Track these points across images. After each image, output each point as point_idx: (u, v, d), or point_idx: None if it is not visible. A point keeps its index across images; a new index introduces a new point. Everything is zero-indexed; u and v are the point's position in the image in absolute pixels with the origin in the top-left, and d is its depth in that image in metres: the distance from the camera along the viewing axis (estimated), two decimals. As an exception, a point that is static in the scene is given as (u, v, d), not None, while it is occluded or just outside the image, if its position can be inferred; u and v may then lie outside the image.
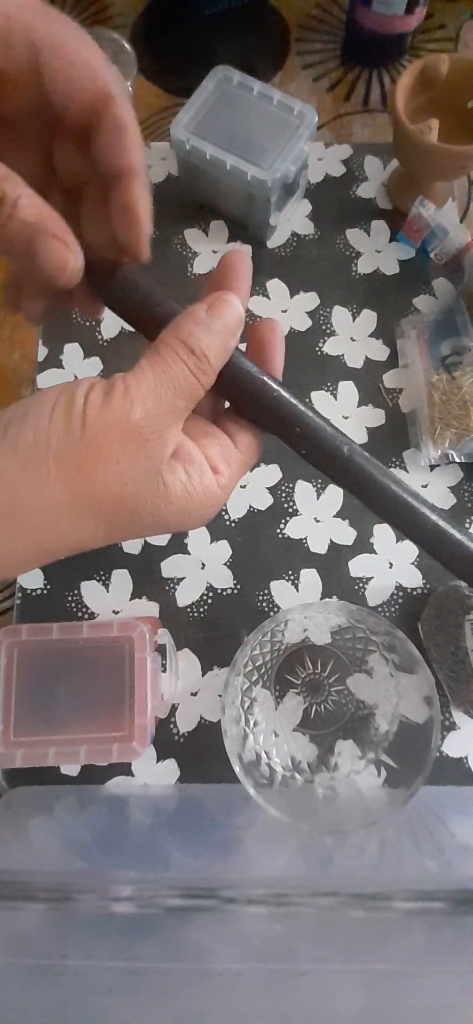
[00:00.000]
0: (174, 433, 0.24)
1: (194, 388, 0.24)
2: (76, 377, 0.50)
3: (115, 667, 0.38)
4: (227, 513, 0.47)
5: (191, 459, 0.25)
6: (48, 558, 0.24)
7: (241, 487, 0.48)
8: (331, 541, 0.47)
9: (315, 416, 0.28)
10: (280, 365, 0.28)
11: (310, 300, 0.54)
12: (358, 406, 0.50)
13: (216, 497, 0.26)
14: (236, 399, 0.27)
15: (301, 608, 0.41)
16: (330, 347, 0.52)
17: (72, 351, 0.52)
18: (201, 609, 0.45)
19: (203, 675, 0.44)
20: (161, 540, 0.47)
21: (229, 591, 0.46)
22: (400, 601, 0.45)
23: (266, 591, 0.46)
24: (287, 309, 0.53)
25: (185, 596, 0.46)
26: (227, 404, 0.28)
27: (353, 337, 0.53)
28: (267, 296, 0.54)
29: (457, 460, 0.47)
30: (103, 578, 0.46)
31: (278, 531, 0.47)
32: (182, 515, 0.25)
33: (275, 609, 0.45)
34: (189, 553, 0.47)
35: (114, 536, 0.25)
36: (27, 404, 0.23)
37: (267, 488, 0.48)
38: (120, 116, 0.24)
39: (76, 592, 0.46)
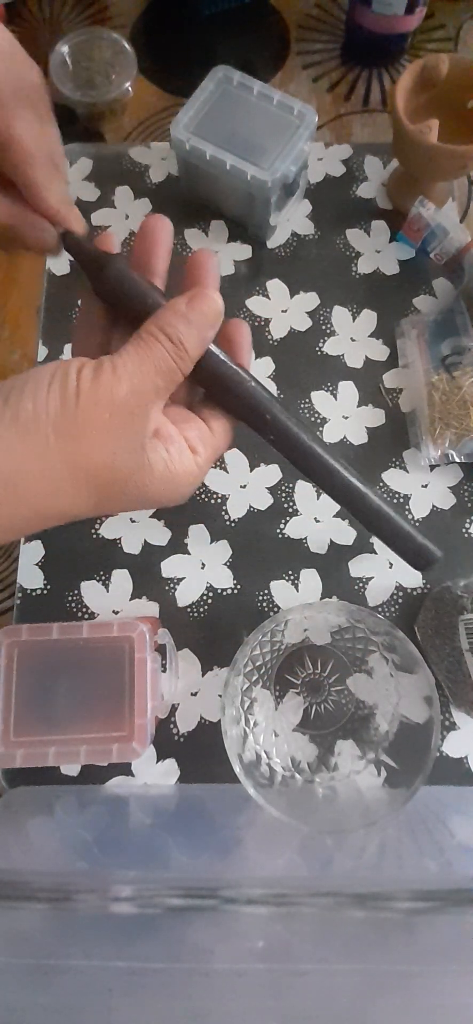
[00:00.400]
0: (156, 411, 0.26)
1: (173, 372, 0.26)
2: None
3: (115, 667, 0.38)
4: (227, 513, 0.47)
5: (171, 439, 0.27)
6: (42, 524, 0.26)
7: (241, 487, 0.48)
8: (331, 541, 0.47)
9: (281, 408, 0.31)
10: (248, 361, 0.30)
11: (310, 300, 0.54)
12: (358, 406, 0.50)
13: (194, 475, 0.28)
14: (212, 387, 0.29)
15: (301, 608, 0.41)
16: (330, 347, 0.52)
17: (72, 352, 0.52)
18: (201, 609, 0.45)
19: (203, 675, 0.44)
20: (161, 540, 0.47)
21: (229, 591, 0.46)
22: (400, 601, 0.45)
23: (266, 591, 0.46)
24: (287, 309, 0.54)
25: (185, 596, 0.46)
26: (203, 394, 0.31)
27: (353, 337, 0.53)
28: (267, 296, 0.54)
29: (457, 460, 0.47)
30: (103, 578, 0.46)
31: (278, 531, 0.47)
32: (164, 490, 0.27)
33: (275, 609, 0.45)
34: (189, 553, 0.47)
35: (103, 507, 0.27)
36: (26, 377, 0.24)
37: (267, 488, 0.48)
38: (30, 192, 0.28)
39: (76, 592, 0.46)
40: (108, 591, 0.46)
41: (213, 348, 0.28)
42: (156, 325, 0.26)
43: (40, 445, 0.23)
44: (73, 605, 0.45)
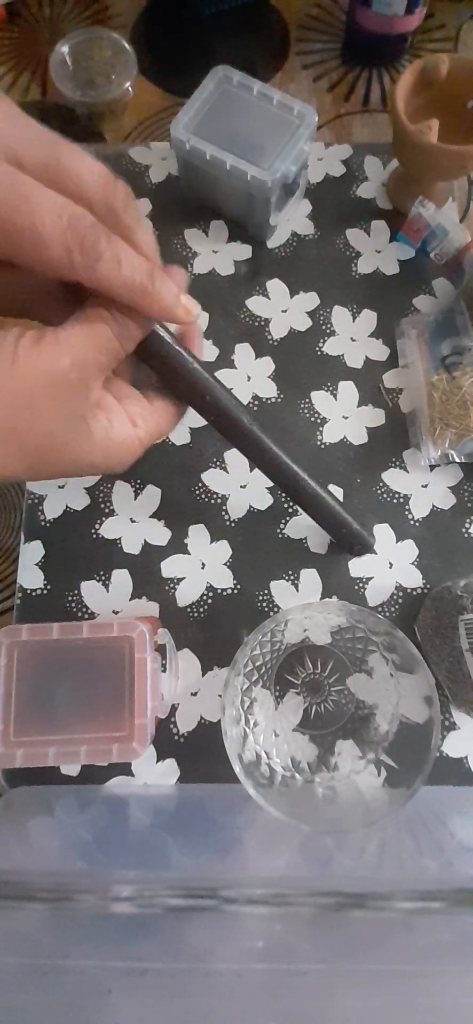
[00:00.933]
0: (97, 385, 0.27)
1: (116, 350, 0.27)
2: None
3: (115, 667, 0.38)
4: (227, 513, 0.47)
5: (112, 410, 0.29)
6: None
7: (241, 487, 0.48)
8: (331, 541, 0.47)
9: (224, 390, 0.33)
10: (199, 348, 0.33)
11: (310, 300, 0.54)
12: (358, 406, 0.50)
13: (133, 446, 0.30)
14: (156, 367, 0.31)
15: (301, 608, 0.41)
16: (330, 347, 0.52)
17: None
18: (201, 609, 0.45)
19: (203, 675, 0.44)
20: (161, 540, 0.47)
21: (229, 591, 0.46)
22: (400, 601, 0.45)
23: (266, 591, 0.46)
24: (287, 309, 0.53)
25: (185, 596, 0.46)
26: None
27: (353, 337, 0.53)
28: (267, 296, 0.54)
29: (457, 460, 0.47)
30: (103, 578, 0.46)
31: (278, 531, 0.47)
32: (102, 459, 0.28)
33: (275, 609, 0.45)
34: (189, 553, 0.47)
35: (36, 472, 0.27)
36: None
37: (267, 488, 0.48)
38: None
39: (76, 592, 0.46)
40: (108, 591, 0.46)
41: (159, 329, 0.30)
42: (102, 303, 0.26)
43: None
44: (73, 605, 0.45)
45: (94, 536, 0.47)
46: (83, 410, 0.27)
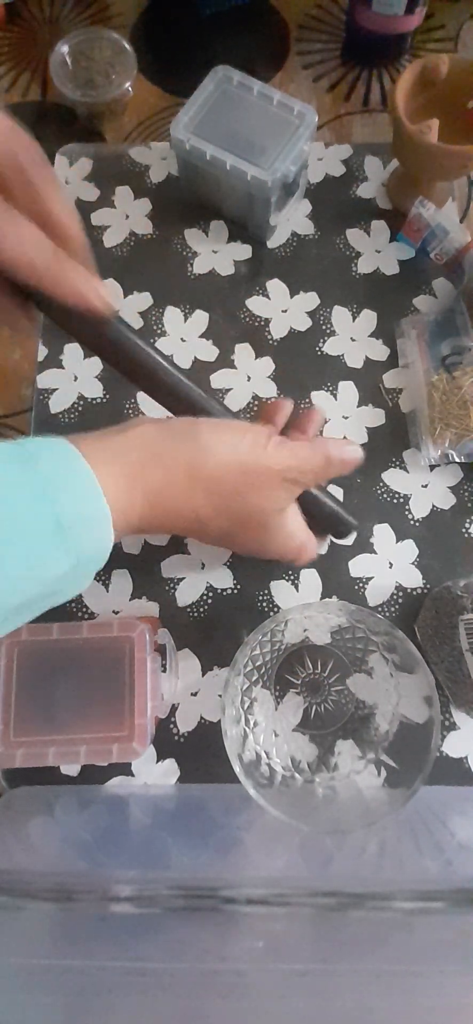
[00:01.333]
0: (298, 494, 0.37)
1: (320, 478, 0.38)
2: (76, 377, 0.51)
3: (115, 667, 0.38)
4: (227, 513, 0.47)
5: (298, 516, 0.38)
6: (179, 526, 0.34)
7: (241, 487, 0.48)
8: (331, 541, 0.47)
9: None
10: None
11: (310, 300, 0.54)
12: (358, 406, 0.50)
13: (296, 551, 0.39)
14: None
15: (301, 608, 0.41)
16: (330, 347, 0.52)
17: (72, 351, 0.52)
18: (201, 609, 0.45)
19: (203, 675, 0.44)
20: (161, 540, 0.47)
21: (229, 591, 0.46)
22: (400, 601, 0.45)
23: (266, 591, 0.46)
24: (287, 309, 0.53)
25: (185, 596, 0.46)
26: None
27: (353, 337, 0.53)
28: (267, 296, 0.54)
29: (457, 460, 0.47)
30: (103, 578, 0.46)
31: (278, 531, 0.47)
32: (276, 545, 0.38)
33: (275, 609, 0.45)
34: (189, 553, 0.47)
35: (232, 534, 0.36)
36: (226, 423, 0.35)
37: (267, 488, 0.48)
38: None
39: (76, 592, 0.46)
40: (108, 591, 0.46)
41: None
42: (323, 450, 0.36)
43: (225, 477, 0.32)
44: (73, 605, 0.45)
45: (94, 536, 0.47)
46: (285, 505, 0.36)
